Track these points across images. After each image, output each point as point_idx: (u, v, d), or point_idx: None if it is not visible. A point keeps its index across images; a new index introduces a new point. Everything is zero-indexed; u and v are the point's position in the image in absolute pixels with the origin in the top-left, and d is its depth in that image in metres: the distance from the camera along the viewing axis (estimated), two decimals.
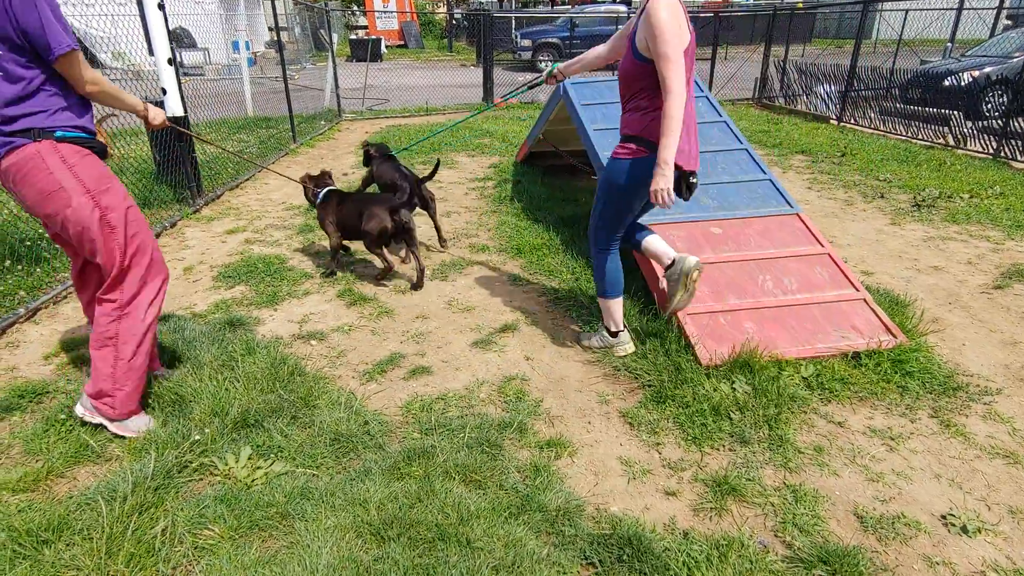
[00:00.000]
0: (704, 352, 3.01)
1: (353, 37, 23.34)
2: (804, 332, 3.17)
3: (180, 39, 20.21)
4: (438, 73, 16.68)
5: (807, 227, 3.81)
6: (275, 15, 10.68)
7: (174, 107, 5.46)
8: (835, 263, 3.57)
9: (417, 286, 4.16)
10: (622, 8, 19.03)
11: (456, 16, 27.47)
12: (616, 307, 3.15)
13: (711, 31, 13.12)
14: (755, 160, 4.30)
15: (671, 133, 2.52)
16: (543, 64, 18.55)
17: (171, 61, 5.33)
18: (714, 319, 3.21)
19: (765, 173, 4.19)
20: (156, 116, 2.73)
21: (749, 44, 19.63)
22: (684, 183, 2.76)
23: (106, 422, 2.58)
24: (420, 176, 4.75)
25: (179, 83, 5.67)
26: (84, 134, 2.36)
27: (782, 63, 12.30)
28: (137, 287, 2.51)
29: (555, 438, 2.61)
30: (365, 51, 22.18)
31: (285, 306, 3.94)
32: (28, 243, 4.47)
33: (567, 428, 2.71)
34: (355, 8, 27.91)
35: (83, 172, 2.34)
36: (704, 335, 3.11)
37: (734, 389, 2.78)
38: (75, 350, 3.41)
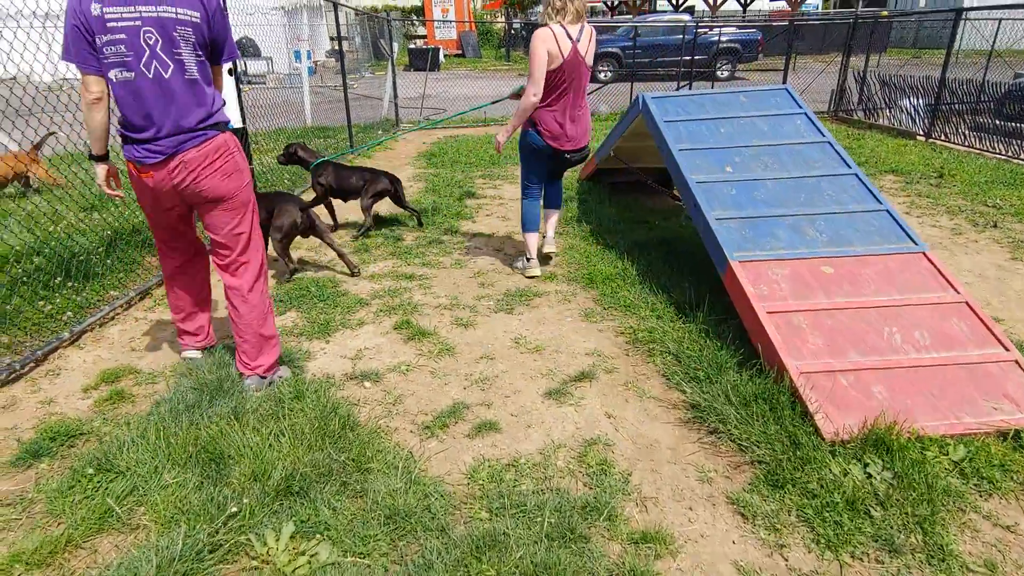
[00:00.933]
0: (828, 425, 2.49)
1: (412, 46, 23.36)
2: (947, 401, 2.62)
3: (244, 48, 20.62)
4: (495, 83, 16.43)
5: (937, 268, 3.24)
6: (337, 25, 10.56)
7: (233, 118, 5.23)
8: (975, 314, 2.99)
9: (354, 271, 4.47)
10: (686, 17, 18.41)
11: (514, 26, 27.27)
12: (530, 239, 4.37)
13: (784, 40, 12.41)
14: (867, 187, 3.74)
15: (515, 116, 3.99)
16: (602, 75, 18.08)
17: (231, 72, 5.11)
18: (834, 380, 2.69)
19: (881, 203, 3.63)
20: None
21: (819, 54, 18.75)
22: (558, 158, 4.07)
23: (275, 376, 2.98)
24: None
25: (239, 94, 5.47)
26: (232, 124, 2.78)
27: (861, 74, 11.51)
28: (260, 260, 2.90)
29: (651, 529, 2.14)
30: (424, 60, 22.17)
31: (338, 338, 3.59)
32: (82, 257, 4.28)
33: (664, 515, 2.24)
34: (415, 18, 28.04)
35: (243, 157, 2.73)
36: (825, 401, 2.60)
37: (870, 475, 2.26)
38: (116, 382, 3.13)
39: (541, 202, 4.38)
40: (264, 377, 2.93)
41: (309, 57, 18.51)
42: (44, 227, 4.72)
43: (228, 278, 2.83)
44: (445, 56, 24.40)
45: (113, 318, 3.87)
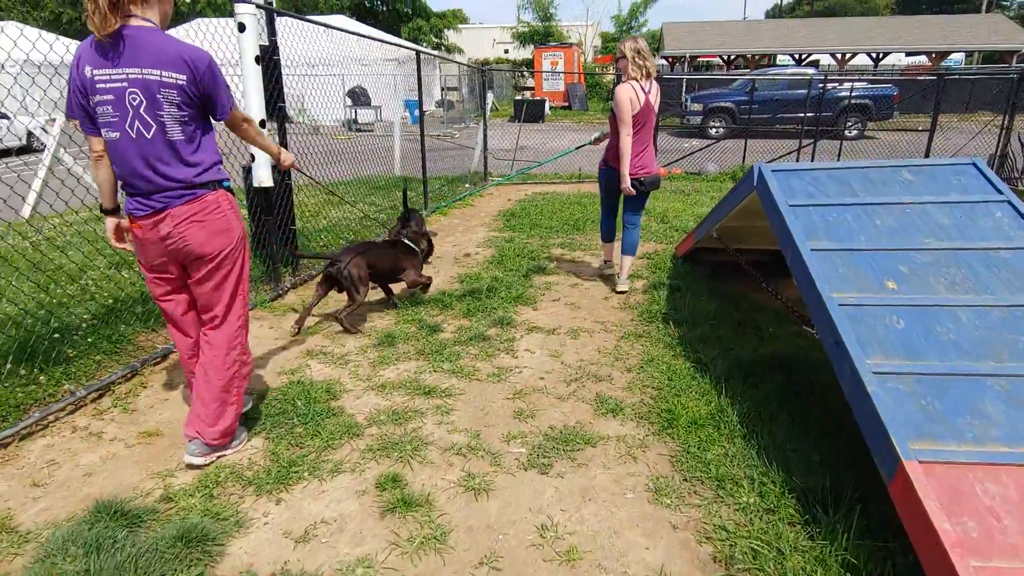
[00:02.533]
0: None
1: (518, 98, 23.02)
2: None
3: (357, 97, 21.04)
4: (594, 133, 15.60)
5: None
6: (441, 76, 10.08)
7: (262, 177, 4.44)
8: None
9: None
10: (811, 71, 16.71)
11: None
12: (608, 249, 5.36)
13: (922, 97, 10.55)
14: None
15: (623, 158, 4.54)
16: (714, 131, 16.63)
17: (263, 123, 4.34)
18: None
19: None
20: (286, 159, 3.10)
21: (964, 113, 16.31)
22: (638, 183, 4.62)
23: (226, 451, 2.78)
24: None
25: (283, 141, 4.75)
26: (229, 182, 2.67)
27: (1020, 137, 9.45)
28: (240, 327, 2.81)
29: None
30: (529, 112, 21.71)
31: (296, 495, 2.51)
32: (55, 332, 3.55)
33: None
34: (524, 70, 27.90)
35: (237, 216, 2.69)
36: None
37: None
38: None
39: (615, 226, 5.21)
40: (211, 446, 2.70)
41: (413, 108, 18.47)
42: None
43: (206, 330, 2.77)
44: (551, 108, 23.87)
45: (46, 427, 3.03)
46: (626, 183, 4.54)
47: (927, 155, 10.53)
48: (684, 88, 19.02)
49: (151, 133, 2.38)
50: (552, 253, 6.18)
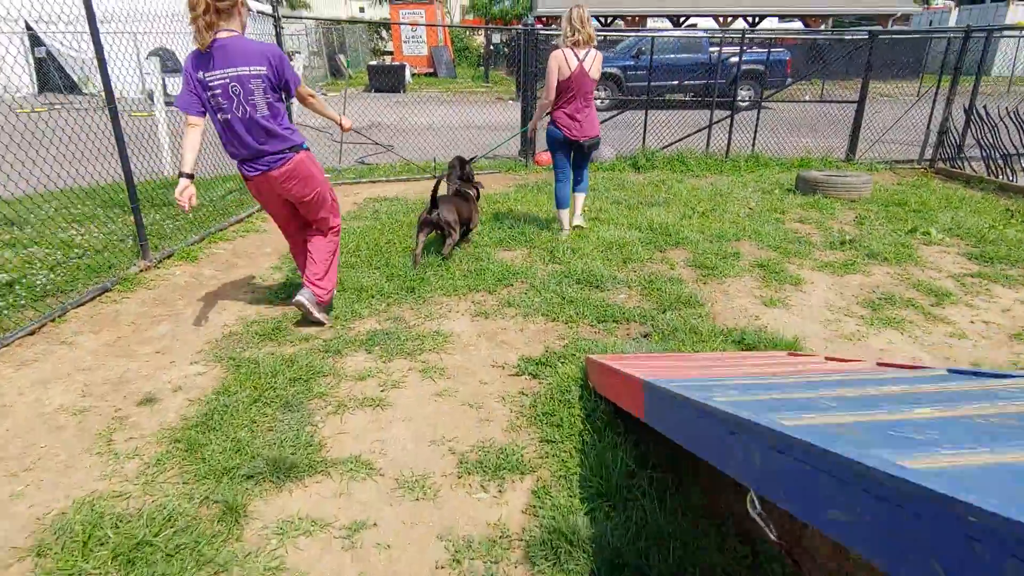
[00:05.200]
0: None
1: (373, 63, 19.49)
2: None
3: (163, 62, 16.66)
4: (468, 110, 12.53)
5: None
6: (278, 36, 6.79)
7: None
8: None
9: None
10: (706, 32, 14.72)
11: (494, 42, 23.48)
12: (562, 214, 5.16)
13: (861, 60, 8.65)
14: None
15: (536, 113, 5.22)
16: (597, 101, 14.26)
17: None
18: None
19: None
20: (346, 123, 3.71)
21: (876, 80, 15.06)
22: (575, 145, 4.91)
23: (323, 315, 3.60)
24: None
25: None
26: (307, 143, 3.44)
27: (974, 110, 7.81)
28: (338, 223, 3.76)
29: None
30: (388, 79, 18.31)
31: None
32: None
33: None
34: (381, 28, 24.16)
35: (316, 165, 3.47)
36: None
37: None
38: None
39: (570, 186, 5.15)
40: (319, 303, 3.57)
41: None
42: None
43: (312, 232, 3.65)
44: (413, 75, 20.56)
45: None
46: (530, 126, 5.62)
47: (853, 133, 8.67)
48: None
49: (249, 113, 3.14)
50: (342, 368, 3.36)
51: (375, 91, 18.26)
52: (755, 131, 9.02)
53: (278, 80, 3.15)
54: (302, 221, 3.64)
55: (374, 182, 7.59)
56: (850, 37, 10.05)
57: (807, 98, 13.35)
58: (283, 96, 3.23)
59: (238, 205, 6.24)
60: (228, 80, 3.03)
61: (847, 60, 10.14)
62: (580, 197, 5.35)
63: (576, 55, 4.62)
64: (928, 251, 4.89)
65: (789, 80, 14.85)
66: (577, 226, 5.27)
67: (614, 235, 5.07)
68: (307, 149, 3.38)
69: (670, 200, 6.45)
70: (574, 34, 4.59)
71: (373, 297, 3.91)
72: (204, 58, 3.02)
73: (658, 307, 3.77)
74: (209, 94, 3.07)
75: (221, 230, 5.44)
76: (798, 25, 22.39)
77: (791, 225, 5.63)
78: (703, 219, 5.68)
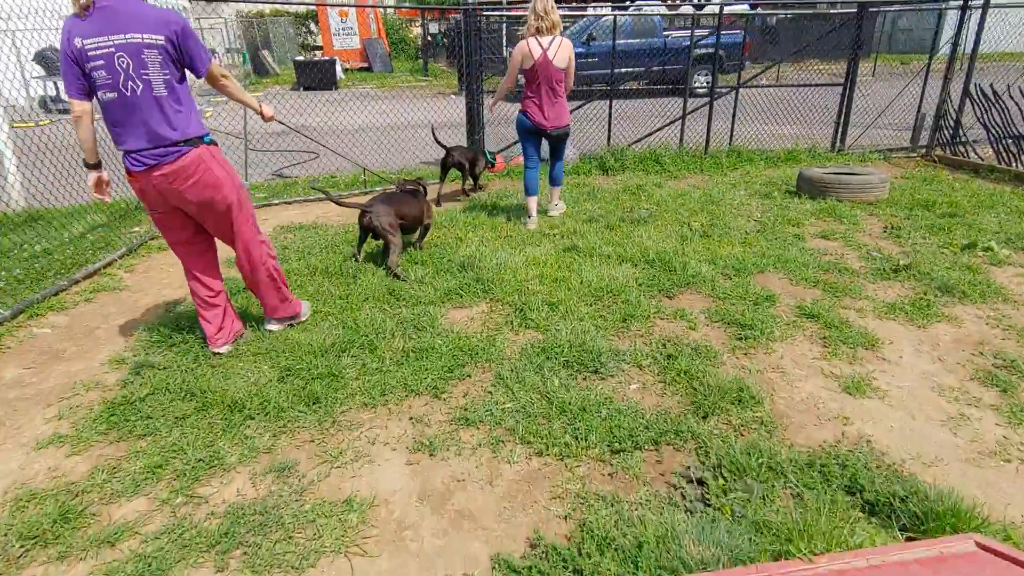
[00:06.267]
0: None
1: (299, 58, 17.57)
2: None
3: (49, 63, 14.43)
4: (407, 106, 10.86)
5: None
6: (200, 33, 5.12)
7: None
8: None
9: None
10: (657, 10, 13.54)
11: (432, 33, 21.81)
12: (530, 201, 4.93)
13: (847, 35, 7.54)
14: None
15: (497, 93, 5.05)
16: None
17: None
18: None
19: None
20: (267, 111, 3.22)
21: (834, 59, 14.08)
22: (544, 135, 4.78)
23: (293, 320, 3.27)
24: None
25: None
26: (211, 136, 2.83)
27: (977, 89, 6.82)
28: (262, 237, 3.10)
29: None
30: (317, 76, 16.47)
31: None
32: None
33: None
34: (310, 25, 22.12)
35: (223, 164, 2.84)
36: None
37: None
38: None
39: (539, 174, 5.00)
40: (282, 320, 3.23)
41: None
42: None
43: (236, 251, 3.03)
44: (345, 70, 18.74)
45: None
46: (488, 104, 5.36)
47: (847, 114, 7.57)
48: (505, 39, 15.06)
49: (142, 91, 2.54)
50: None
51: (303, 89, 16.44)
52: (732, 121, 7.85)
53: (180, 54, 2.61)
54: (205, 243, 3.00)
55: (288, 203, 6.04)
56: (837, 11, 8.93)
57: (788, 81, 12.31)
58: (184, 78, 2.70)
59: (101, 247, 4.63)
60: (113, 49, 2.49)
61: (823, 39, 9.09)
62: (554, 192, 5.25)
63: (540, 43, 4.49)
64: (1004, 275, 3.74)
65: (747, 63, 13.88)
66: (553, 217, 5.15)
67: (601, 275, 3.73)
68: (212, 143, 2.81)
69: (656, 213, 5.16)
70: (538, 21, 4.47)
71: (252, 419, 2.46)
72: (84, 24, 2.48)
73: (693, 407, 2.45)
74: (90, 66, 2.50)
75: (59, 292, 3.85)
76: (744, 8, 21.55)
77: (814, 243, 4.42)
78: (707, 241, 4.40)
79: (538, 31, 4.48)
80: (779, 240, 4.41)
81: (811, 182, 5.57)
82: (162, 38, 2.54)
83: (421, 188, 4.49)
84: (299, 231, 5.01)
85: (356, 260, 4.12)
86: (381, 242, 4.08)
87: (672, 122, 7.65)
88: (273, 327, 3.20)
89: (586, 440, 2.25)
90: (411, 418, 2.46)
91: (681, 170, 6.95)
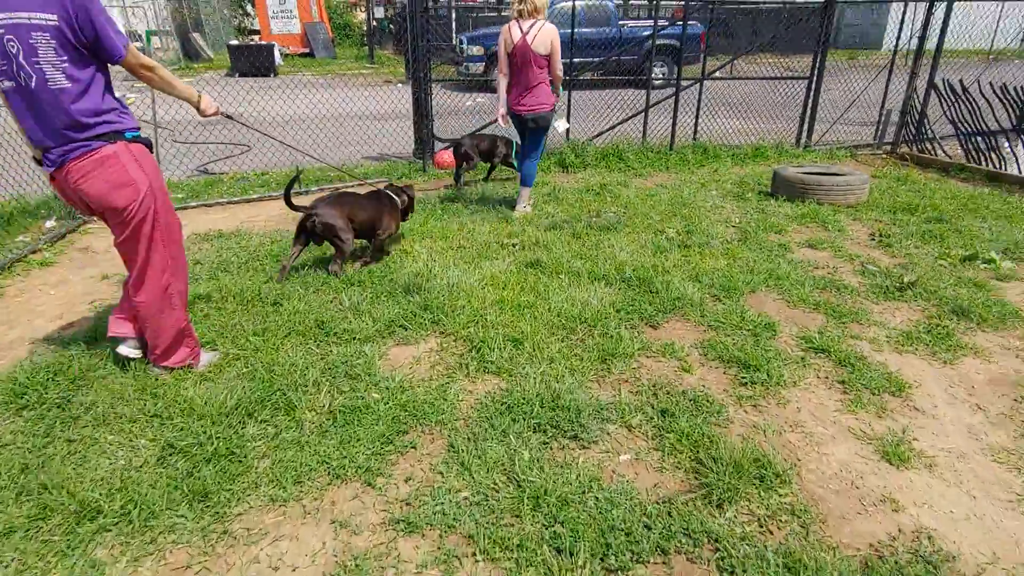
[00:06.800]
0: None
1: (233, 43, 16.31)
2: None
3: None
4: (352, 95, 9.86)
5: None
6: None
7: None
8: None
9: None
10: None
11: (378, 18, 20.74)
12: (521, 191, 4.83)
13: (807, 29, 7.16)
14: None
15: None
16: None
17: None
18: None
19: None
20: (210, 106, 2.63)
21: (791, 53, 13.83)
22: (520, 119, 4.53)
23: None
24: None
25: None
26: (137, 132, 2.37)
27: (945, 84, 6.54)
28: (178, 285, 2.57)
29: None
30: (251, 62, 15.27)
31: None
32: None
33: None
34: (246, 6, 20.66)
35: (143, 167, 2.34)
36: None
37: None
38: None
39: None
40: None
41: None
42: None
43: (131, 291, 2.49)
44: (285, 56, 17.56)
45: None
46: (499, 113, 4.57)
47: (813, 109, 7.21)
48: (454, 25, 14.31)
49: (36, 82, 2.13)
50: None
51: (239, 75, 15.26)
52: (696, 116, 7.38)
53: (81, 35, 2.12)
54: None
55: (208, 205, 5.22)
56: (802, 2, 8.57)
57: (754, 73, 11.98)
58: (90, 64, 2.20)
59: None
60: (2, 31, 2.06)
61: (789, 31, 8.74)
62: (523, 192, 4.87)
63: (520, 27, 4.34)
64: (1015, 293, 3.35)
65: (702, 56, 13.53)
66: (519, 214, 4.81)
67: (572, 299, 3.14)
68: (136, 140, 2.36)
69: (625, 217, 4.61)
70: (520, 4, 4.33)
71: (108, 531, 1.76)
72: None
73: (703, 491, 1.89)
74: None
75: None
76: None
77: (802, 253, 3.95)
78: (687, 253, 3.88)
79: (519, 14, 4.34)
80: (764, 251, 3.93)
81: (788, 183, 5.13)
82: (54, 17, 2.08)
83: (403, 195, 3.94)
84: (217, 241, 4.25)
85: (281, 277, 3.43)
86: (313, 256, 3.40)
87: (634, 115, 7.12)
88: (156, 370, 2.59)
89: (572, 554, 1.66)
90: (333, 521, 1.81)
91: (646, 167, 6.44)
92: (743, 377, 2.51)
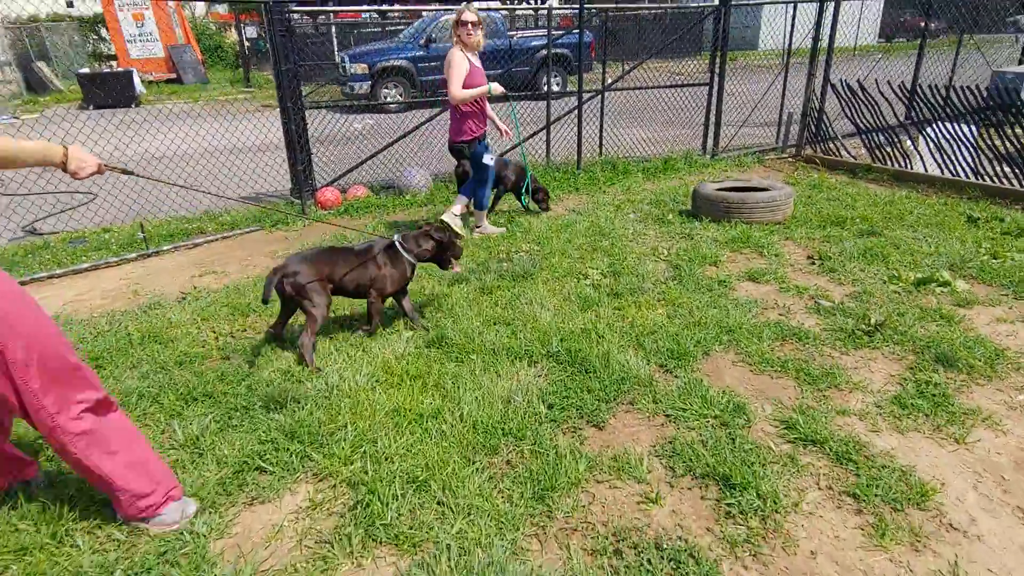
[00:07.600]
0: None
1: (84, 71, 14.38)
2: None
3: None
4: (227, 125, 8.48)
5: None
6: None
7: None
8: None
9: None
10: (495, 8, 12.43)
11: (250, 37, 19.17)
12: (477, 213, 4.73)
13: (712, 29, 6.83)
14: None
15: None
16: (389, 96, 11.38)
17: None
18: None
19: None
20: (85, 163, 1.85)
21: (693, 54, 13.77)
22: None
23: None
24: None
25: None
26: None
27: (845, 84, 6.38)
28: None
29: None
30: (106, 92, 13.43)
31: None
32: None
33: None
34: (100, 30, 18.46)
35: None
36: None
37: None
38: None
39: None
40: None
41: None
42: None
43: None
44: (148, 83, 15.73)
45: None
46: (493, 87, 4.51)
47: (718, 116, 6.88)
48: (336, 43, 13.26)
49: None
50: None
51: (93, 108, 13.40)
52: (600, 130, 6.87)
53: None
54: None
55: (25, 283, 4.04)
56: (696, 6, 8.30)
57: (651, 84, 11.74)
58: None
59: None
60: None
61: (682, 36, 8.47)
62: (461, 201, 4.81)
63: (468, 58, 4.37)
64: (982, 321, 2.94)
65: (593, 63, 13.25)
66: (443, 217, 4.69)
67: (491, 396, 2.39)
68: None
69: (539, 257, 3.94)
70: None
71: None
72: None
73: None
74: None
75: None
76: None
77: (744, 290, 3.42)
78: (618, 303, 3.23)
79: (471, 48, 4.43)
80: (704, 291, 3.36)
81: (710, 202, 4.65)
82: None
83: (435, 238, 3.09)
84: None
85: (273, 333, 3.02)
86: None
87: (535, 133, 6.51)
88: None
89: None
90: None
91: (554, 190, 5.82)
92: (728, 504, 1.86)
